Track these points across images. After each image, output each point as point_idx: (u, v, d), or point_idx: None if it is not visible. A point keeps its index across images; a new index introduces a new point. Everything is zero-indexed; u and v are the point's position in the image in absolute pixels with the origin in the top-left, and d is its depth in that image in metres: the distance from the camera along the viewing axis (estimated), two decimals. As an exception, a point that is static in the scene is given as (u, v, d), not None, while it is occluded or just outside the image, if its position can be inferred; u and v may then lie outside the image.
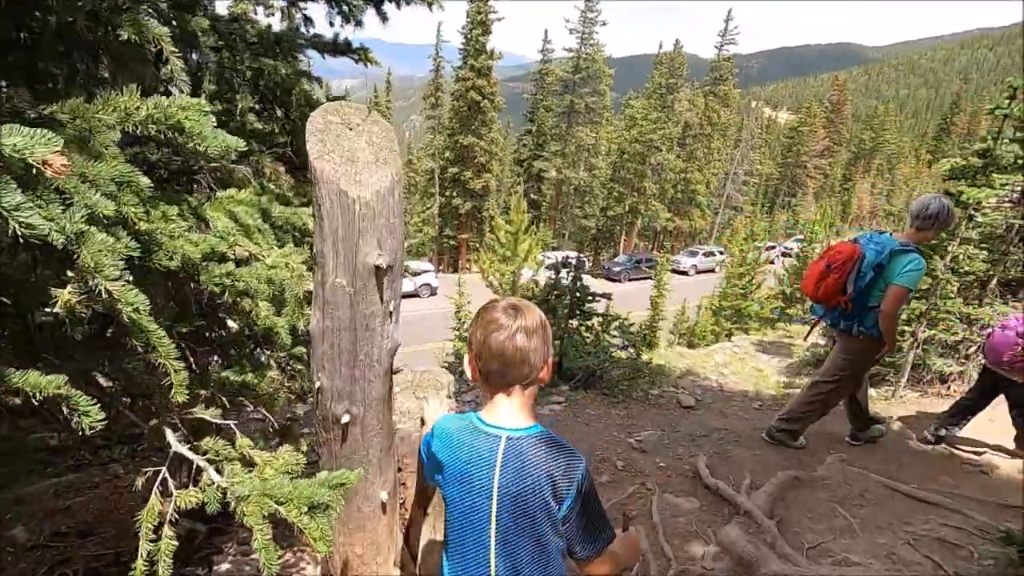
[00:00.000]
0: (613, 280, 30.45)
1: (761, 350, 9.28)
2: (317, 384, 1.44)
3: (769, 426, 4.39)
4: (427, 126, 36.81)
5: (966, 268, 5.03)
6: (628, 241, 42.88)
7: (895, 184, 69.20)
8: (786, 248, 39.25)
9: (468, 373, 1.26)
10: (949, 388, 5.89)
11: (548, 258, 28.39)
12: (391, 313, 1.40)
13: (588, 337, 5.40)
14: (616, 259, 34.67)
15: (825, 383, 4.05)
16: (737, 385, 6.37)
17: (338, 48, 2.42)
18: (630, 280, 30.69)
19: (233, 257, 1.38)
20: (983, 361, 4.46)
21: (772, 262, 24.65)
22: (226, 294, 1.32)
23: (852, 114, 72.22)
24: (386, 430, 1.58)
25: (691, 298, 23.10)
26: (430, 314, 21.53)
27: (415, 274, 25.24)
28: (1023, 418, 4.41)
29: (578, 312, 5.29)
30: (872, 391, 6.22)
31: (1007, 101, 4.70)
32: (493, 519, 1.18)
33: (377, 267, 1.28)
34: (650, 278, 27.84)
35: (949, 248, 4.94)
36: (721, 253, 35.67)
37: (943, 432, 4.58)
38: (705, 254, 35.06)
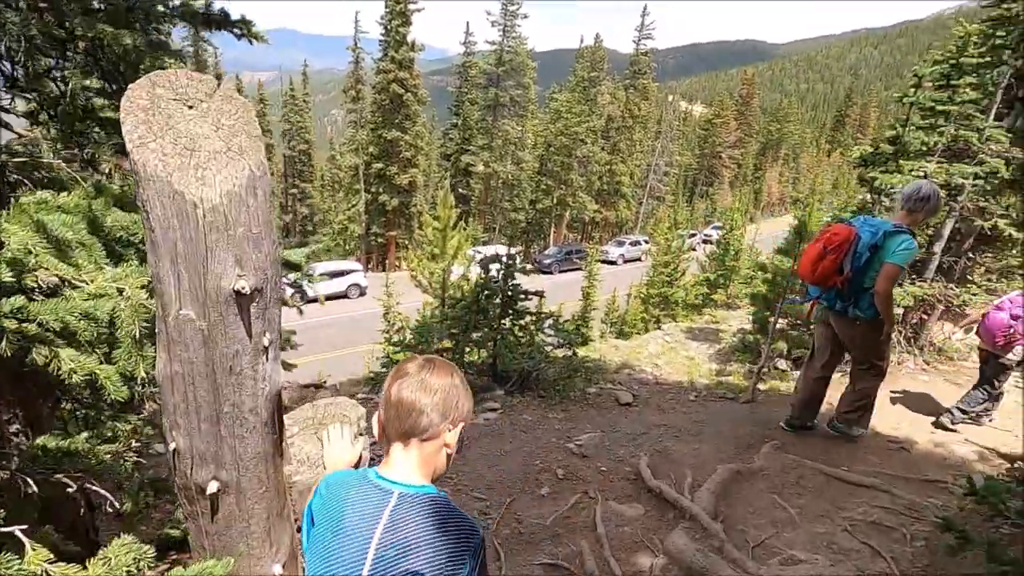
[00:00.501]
0: (545, 272, 30.60)
1: (691, 337, 9.47)
2: (171, 446, 1.09)
3: (832, 423, 4.47)
4: (349, 120, 35.45)
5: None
6: (558, 233, 43.34)
7: (800, 172, 73.96)
8: (706, 235, 40.98)
9: (375, 430, 1.19)
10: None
11: (479, 253, 28.17)
12: (266, 349, 1.08)
13: (522, 337, 5.20)
14: (547, 251, 34.89)
15: (873, 378, 4.10)
16: (672, 376, 6.37)
17: (212, 20, 2.01)
18: (561, 272, 30.95)
19: (36, 285, 1.00)
20: (978, 344, 4.68)
21: (694, 249, 25.55)
22: (2, 342, 0.95)
23: (760, 107, 76.30)
24: (273, 491, 1.26)
25: (620, 287, 23.55)
26: (361, 316, 20.78)
27: (343, 274, 24.28)
28: (986, 393, 4.68)
29: (511, 311, 5.07)
30: (796, 373, 6.41)
31: (912, 89, 4.88)
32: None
33: (238, 292, 0.95)
34: (581, 269, 28.19)
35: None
36: (646, 242, 36.68)
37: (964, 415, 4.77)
38: (632, 243, 35.94)
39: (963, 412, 4.80)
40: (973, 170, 5.14)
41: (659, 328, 10.87)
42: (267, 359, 1.09)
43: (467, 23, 38.87)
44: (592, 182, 42.63)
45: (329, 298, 23.37)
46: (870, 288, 3.61)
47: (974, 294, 6.13)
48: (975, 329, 4.70)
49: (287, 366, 4.13)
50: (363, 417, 1.66)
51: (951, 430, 4.84)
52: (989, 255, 6.54)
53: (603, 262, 32.26)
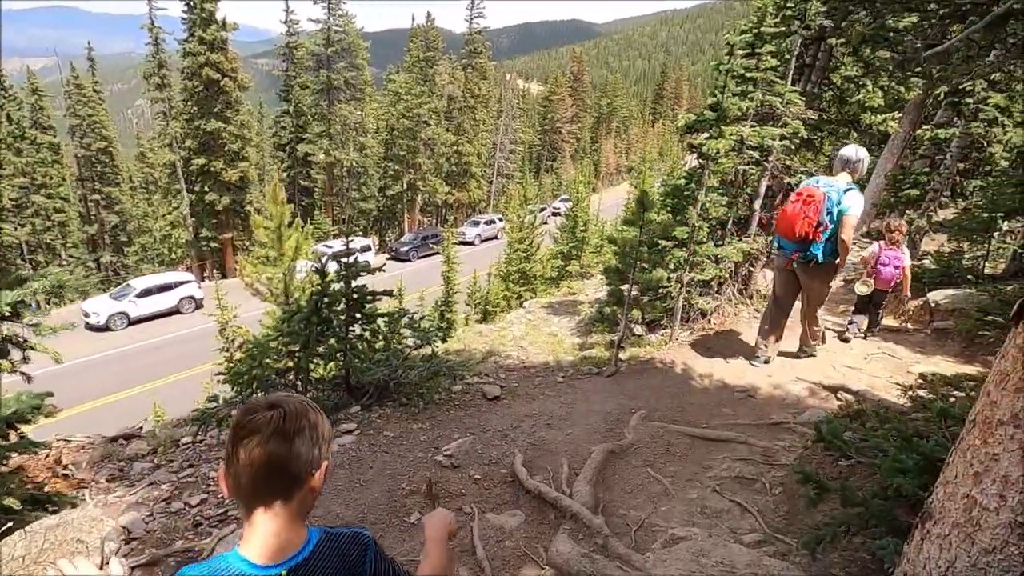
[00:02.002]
0: (402, 260, 29.77)
1: (552, 312, 9.59)
2: None
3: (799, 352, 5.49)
4: (157, 111, 30.99)
5: (712, 214, 5.51)
6: (411, 219, 42.36)
7: (631, 143, 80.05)
8: (555, 208, 42.71)
9: (223, 487, 1.01)
10: (710, 322, 6.59)
11: (329, 248, 26.48)
12: None
13: (376, 343, 4.72)
14: (402, 239, 33.93)
15: (817, 306, 5.11)
16: (538, 357, 6.31)
17: None
18: (420, 258, 30.33)
19: None
20: (864, 289, 6.00)
21: (545, 223, 26.38)
22: None
23: (590, 83, 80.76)
24: None
25: (480, 267, 23.59)
26: (198, 333, 18.51)
27: (171, 287, 21.37)
28: (873, 316, 6.32)
29: (359, 317, 4.55)
30: (652, 336, 6.70)
31: (727, 57, 5.16)
32: None
33: None
34: (439, 253, 27.80)
35: (699, 197, 5.35)
36: (501, 220, 37.27)
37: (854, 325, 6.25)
38: (487, 222, 36.23)
39: (858, 328, 6.28)
40: (779, 131, 5.58)
41: (521, 306, 10.90)
42: None
43: (286, 1, 35.79)
44: (441, 164, 42.11)
45: (158, 316, 20.56)
46: (832, 238, 4.36)
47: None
48: (873, 279, 6.01)
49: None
50: (111, 535, 1.15)
51: (846, 340, 6.25)
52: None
53: (461, 244, 32.29)
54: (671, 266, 5.45)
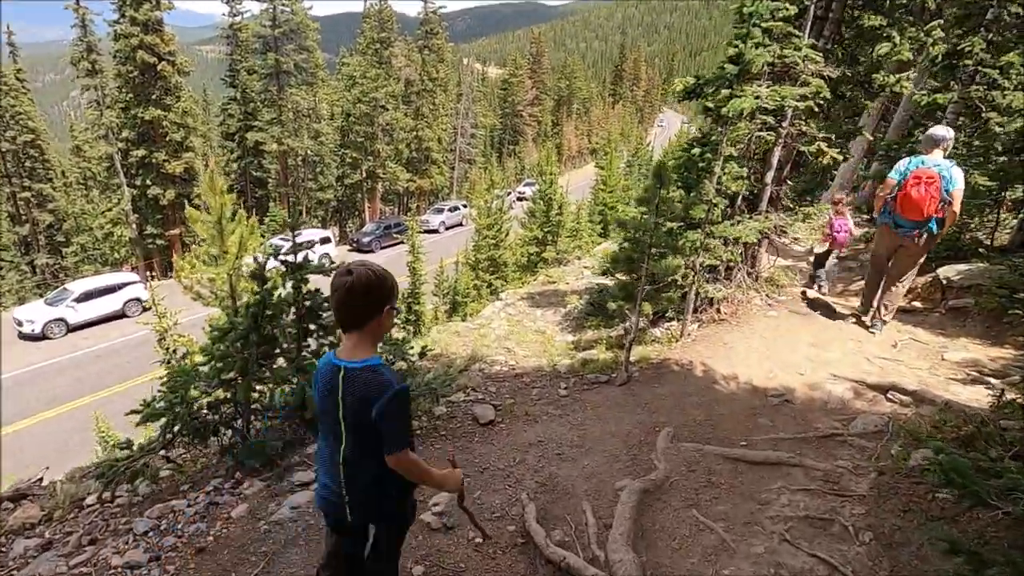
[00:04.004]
0: (364, 251, 28.45)
1: (533, 304, 8.77)
2: None
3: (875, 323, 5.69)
4: (91, 100, 28.54)
5: (732, 188, 4.74)
6: (373, 208, 40.78)
7: (592, 124, 79.65)
8: (520, 193, 41.75)
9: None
10: (719, 311, 5.86)
11: (286, 242, 24.93)
12: None
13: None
14: (364, 229, 32.45)
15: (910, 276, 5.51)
16: (529, 361, 5.47)
17: None
18: (383, 248, 29.02)
19: None
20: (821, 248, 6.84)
21: (511, 208, 25.46)
22: None
23: (549, 66, 79.61)
24: None
25: (447, 256, 22.56)
26: (144, 337, 16.99)
27: (114, 289, 19.64)
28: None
29: (314, 328, 3.62)
30: (656, 331, 5.93)
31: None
32: (342, 423, 1.78)
33: None
34: (403, 243, 26.58)
35: (715, 169, 4.56)
36: (465, 206, 36.19)
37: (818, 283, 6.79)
38: (451, 209, 35.05)
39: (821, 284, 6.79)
40: (800, 91, 4.82)
41: (498, 299, 10.03)
42: None
43: (227, -22, 33.51)
44: (401, 151, 40.55)
45: (102, 321, 18.89)
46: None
47: (795, 221, 6.07)
48: (828, 244, 6.78)
49: None
50: None
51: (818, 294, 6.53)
52: (793, 178, 6.63)
53: (425, 232, 31.15)
54: (685, 251, 4.66)
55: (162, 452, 3.25)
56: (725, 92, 4.39)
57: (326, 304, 3.59)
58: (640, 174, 34.32)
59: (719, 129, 4.55)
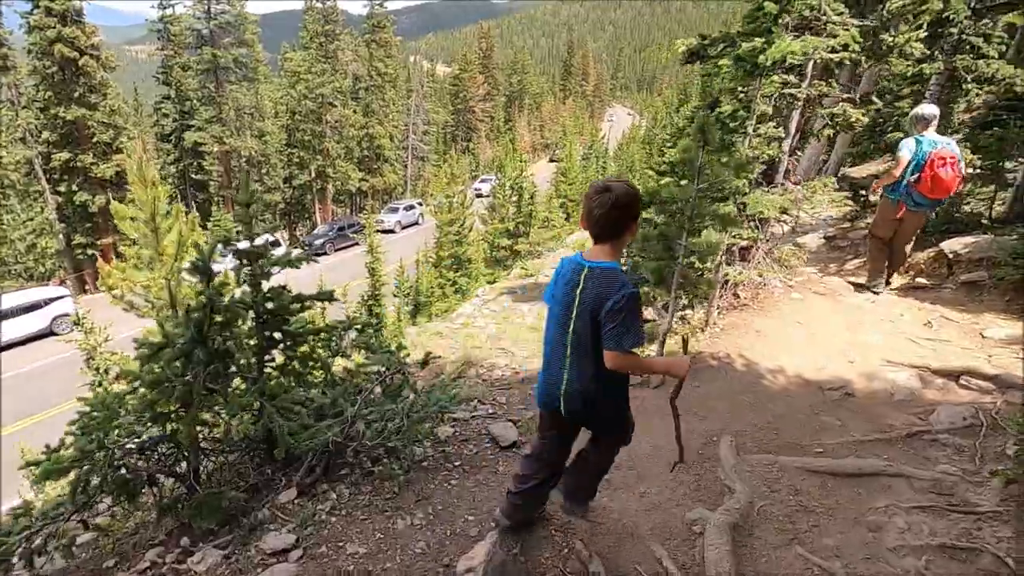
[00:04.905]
0: (317, 254, 27.02)
1: (516, 299, 8.03)
2: None
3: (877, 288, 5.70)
4: (3, 99, 25.96)
5: (766, 153, 4.13)
6: (324, 209, 39.12)
7: (544, 120, 79.63)
8: (476, 189, 40.90)
9: (581, 224, 2.03)
10: (737, 296, 5.28)
11: (236, 244, 23.34)
12: None
13: (313, 377, 2.93)
14: (316, 231, 30.95)
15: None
16: (532, 362, 4.73)
17: None
18: (337, 250, 27.69)
19: None
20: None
21: (471, 203, 24.63)
22: None
23: (498, 63, 78.89)
24: None
25: (405, 255, 21.52)
26: (73, 357, 15.33)
27: (40, 305, 17.74)
28: None
29: (280, 338, 2.76)
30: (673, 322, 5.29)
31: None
32: (573, 317, 1.96)
33: None
34: (358, 244, 25.35)
35: (748, 129, 3.94)
36: (420, 204, 35.20)
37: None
38: (406, 208, 33.97)
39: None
40: (831, 43, 4.25)
41: (476, 296, 9.25)
42: None
43: (154, -32, 31.29)
44: (351, 149, 38.98)
45: (26, 341, 17.01)
46: None
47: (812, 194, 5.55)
48: None
49: None
50: None
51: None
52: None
53: (382, 232, 29.98)
54: (718, 227, 4.03)
55: (75, 518, 2.36)
56: (759, 41, 3.76)
57: (296, 305, 2.75)
58: (599, 165, 34.10)
59: (752, 84, 3.94)
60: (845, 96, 4.69)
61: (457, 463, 3.01)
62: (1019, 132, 7.58)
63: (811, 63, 4.52)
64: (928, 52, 8.85)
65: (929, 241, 7.66)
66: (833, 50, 4.24)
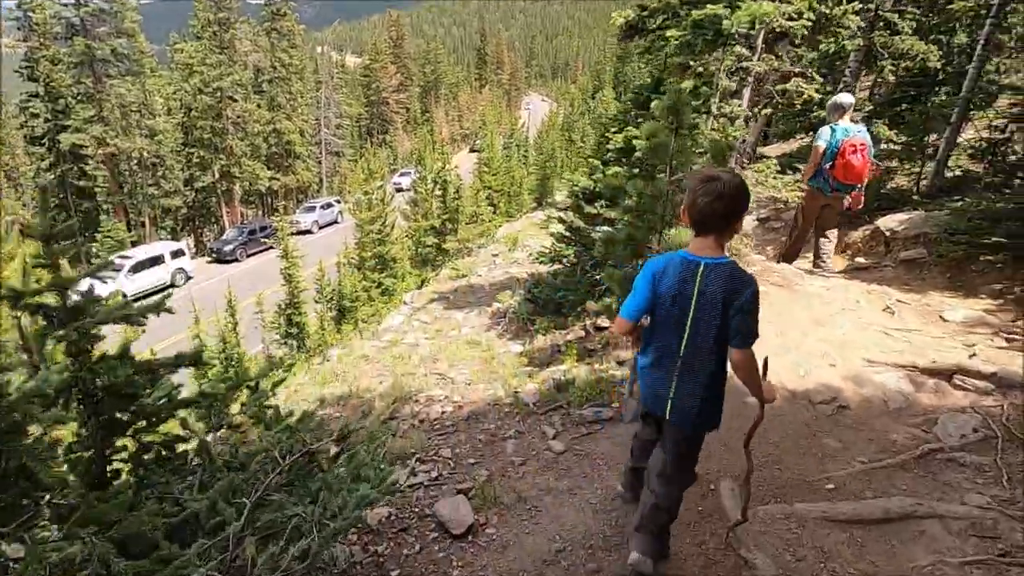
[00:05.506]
0: (228, 261, 24.96)
1: (449, 305, 7.31)
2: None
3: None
4: None
5: (733, 134, 3.64)
6: (232, 212, 36.32)
7: (461, 110, 78.45)
8: (396, 183, 39.40)
9: (683, 218, 2.00)
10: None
11: (129, 258, 20.91)
12: None
13: (181, 484, 2.06)
14: (224, 236, 28.56)
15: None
16: (476, 390, 4.04)
17: None
18: (250, 256, 25.66)
19: None
20: None
21: (392, 199, 23.47)
22: None
23: (411, 53, 76.62)
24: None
25: (326, 256, 20.11)
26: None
27: None
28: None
29: (129, 420, 1.91)
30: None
31: None
32: (689, 317, 1.91)
33: None
34: (272, 248, 23.55)
35: (711, 107, 3.41)
36: (338, 202, 33.53)
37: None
38: (323, 206, 32.17)
39: None
40: (787, 9, 3.81)
41: (404, 303, 8.41)
42: None
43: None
44: (258, 146, 36.31)
45: None
46: None
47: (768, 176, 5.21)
48: None
49: None
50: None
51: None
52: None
53: (297, 233, 28.19)
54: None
55: None
56: (721, 6, 3.23)
57: (143, 376, 1.90)
58: (521, 154, 33.67)
59: (711, 56, 3.41)
60: (796, 71, 4.29)
61: (395, 572, 2.26)
62: (939, 106, 7.67)
63: (761, 35, 4.06)
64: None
65: (864, 219, 7.64)
66: (790, 18, 3.80)
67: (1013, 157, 7.67)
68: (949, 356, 3.55)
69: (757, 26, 3.53)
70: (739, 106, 3.81)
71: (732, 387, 2.04)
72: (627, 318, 2.05)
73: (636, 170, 3.90)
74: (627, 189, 3.11)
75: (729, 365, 1.94)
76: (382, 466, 2.21)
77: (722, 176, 1.84)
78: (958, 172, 8.45)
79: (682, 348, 1.94)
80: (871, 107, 9.63)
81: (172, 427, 2.24)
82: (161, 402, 2.19)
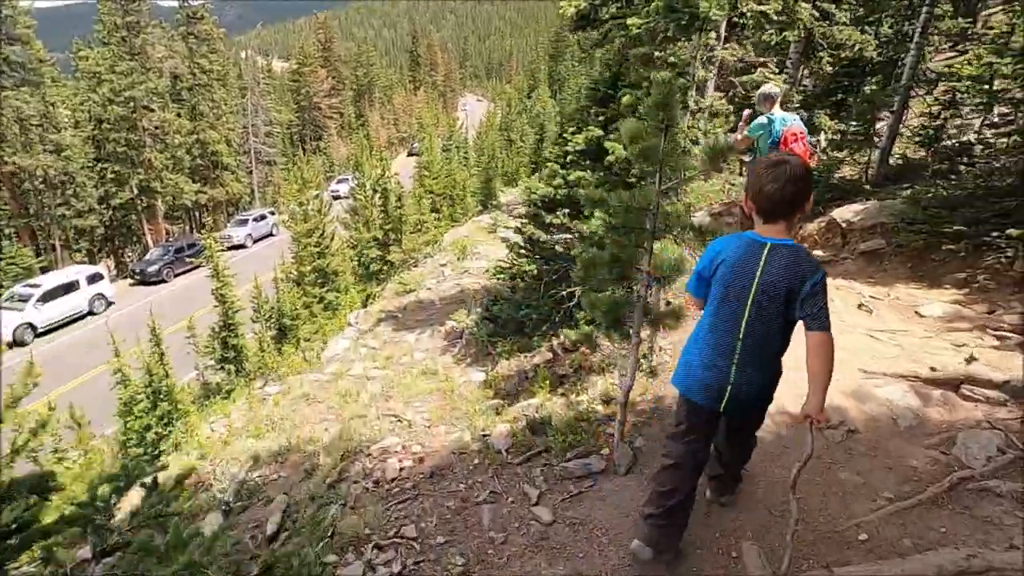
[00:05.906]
0: (153, 283, 23.22)
1: (399, 326, 6.72)
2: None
3: None
4: None
5: (714, 129, 3.27)
6: (156, 230, 33.94)
7: (397, 113, 76.98)
8: (334, 191, 37.98)
9: (746, 206, 1.97)
10: (669, 304, 4.48)
11: (38, 287, 18.95)
12: None
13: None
14: (147, 256, 26.58)
15: None
16: (437, 435, 3.51)
17: None
18: (178, 275, 23.97)
19: None
20: None
21: (329, 208, 22.39)
22: None
23: (341, 56, 74.44)
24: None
25: (262, 271, 18.87)
26: None
27: None
28: None
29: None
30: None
31: None
32: (750, 297, 1.90)
33: None
34: (202, 266, 22.00)
35: (689, 102, 3.02)
36: (272, 214, 31.97)
37: None
38: (256, 219, 30.56)
39: None
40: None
41: (349, 324, 7.74)
42: None
43: None
44: (180, 158, 34.07)
45: None
46: None
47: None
48: None
49: None
50: None
51: None
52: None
53: (229, 249, 26.61)
54: (691, 236, 3.04)
55: None
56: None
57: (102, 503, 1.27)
58: (461, 156, 33.07)
59: (684, 43, 3.03)
60: (760, 61, 4.00)
61: None
62: (880, 94, 7.70)
63: (724, 22, 3.74)
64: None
65: (817, 211, 7.58)
66: (760, 1, 3.48)
67: (949, 142, 7.82)
68: (944, 360, 3.32)
69: (727, 11, 3.21)
70: (719, 99, 3.48)
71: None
72: (696, 295, 2.09)
73: (603, 174, 3.49)
74: (609, 201, 2.65)
75: (805, 350, 1.87)
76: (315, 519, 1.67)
77: (789, 160, 1.82)
78: (899, 160, 8.59)
79: (742, 332, 1.93)
80: (801, 97, 9.72)
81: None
82: (18, 521, 1.57)
